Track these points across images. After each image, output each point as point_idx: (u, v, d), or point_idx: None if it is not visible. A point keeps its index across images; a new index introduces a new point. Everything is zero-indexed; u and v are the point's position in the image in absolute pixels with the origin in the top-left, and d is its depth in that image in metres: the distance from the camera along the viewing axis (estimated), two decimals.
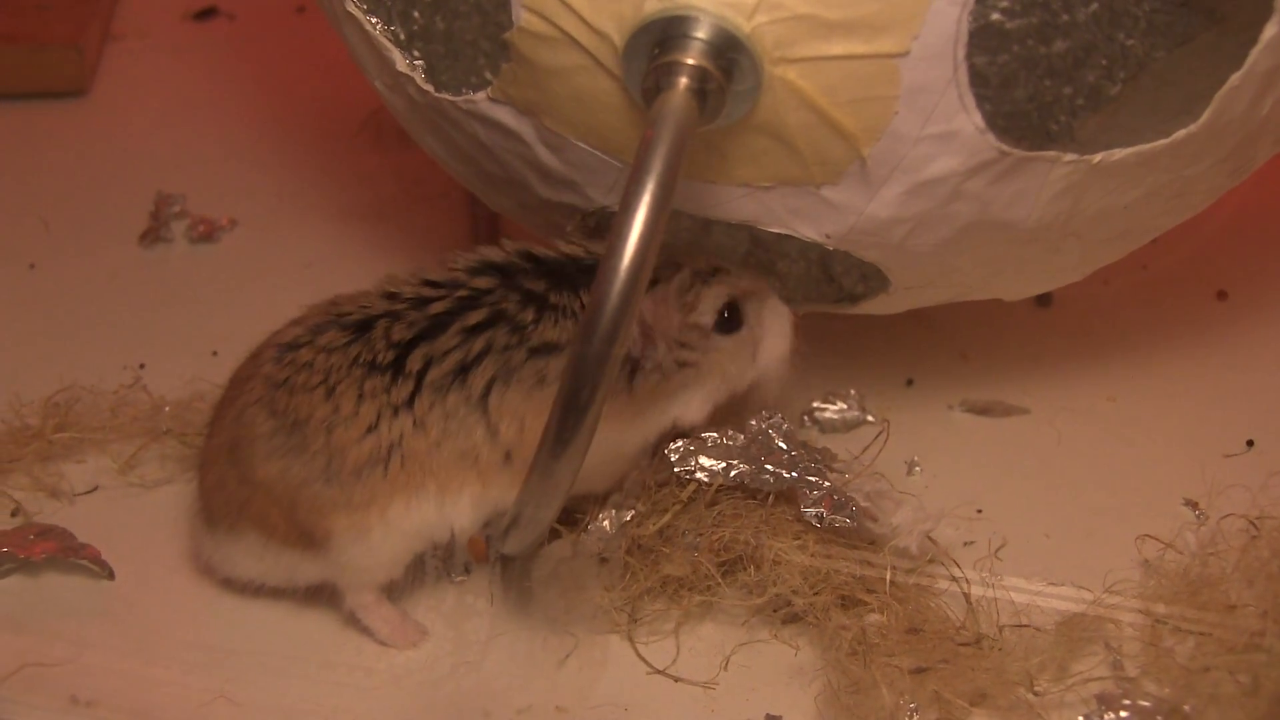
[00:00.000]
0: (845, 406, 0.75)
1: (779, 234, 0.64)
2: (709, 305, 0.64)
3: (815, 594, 0.64)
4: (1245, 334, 0.81)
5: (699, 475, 0.65)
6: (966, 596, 0.64)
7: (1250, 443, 0.74)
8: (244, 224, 0.89)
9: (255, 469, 0.61)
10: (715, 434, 0.65)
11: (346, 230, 0.88)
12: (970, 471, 0.73)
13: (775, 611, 0.65)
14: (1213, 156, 0.64)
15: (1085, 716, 0.59)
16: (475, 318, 0.62)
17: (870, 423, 0.75)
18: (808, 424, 0.75)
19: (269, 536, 0.62)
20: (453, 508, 0.62)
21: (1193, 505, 0.70)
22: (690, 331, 0.63)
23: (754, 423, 0.66)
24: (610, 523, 0.64)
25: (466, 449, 0.61)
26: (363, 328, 0.62)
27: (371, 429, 0.61)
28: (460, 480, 0.62)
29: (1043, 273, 0.69)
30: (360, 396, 0.61)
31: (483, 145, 0.67)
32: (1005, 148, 0.60)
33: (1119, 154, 0.62)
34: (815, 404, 0.75)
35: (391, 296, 0.63)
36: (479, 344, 0.61)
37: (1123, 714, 0.59)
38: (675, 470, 0.65)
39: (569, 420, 0.55)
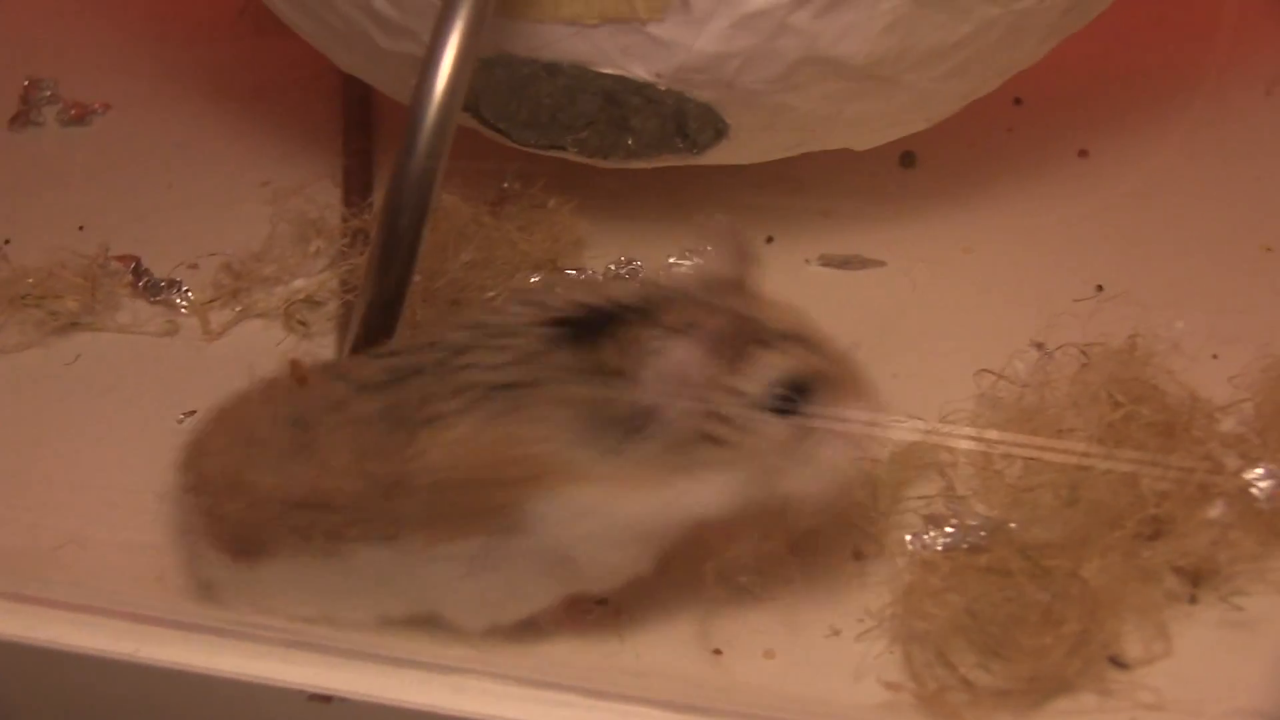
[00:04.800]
0: (702, 261, 0.76)
1: (622, 79, 0.65)
2: (764, 372, 0.54)
3: None
4: (1102, 189, 0.82)
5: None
6: None
7: (1100, 287, 0.75)
8: (118, 108, 0.90)
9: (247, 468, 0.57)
10: (573, 270, 0.67)
11: (220, 112, 0.89)
12: (823, 321, 0.73)
13: None
14: None
15: (914, 535, 0.60)
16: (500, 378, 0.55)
17: None
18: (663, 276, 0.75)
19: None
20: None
21: (1038, 346, 0.71)
22: (730, 398, 0.54)
23: (611, 266, 0.67)
24: None
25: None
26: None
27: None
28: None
29: (884, 116, 0.70)
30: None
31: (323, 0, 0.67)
32: None
33: None
34: (672, 259, 0.76)
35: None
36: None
37: (948, 530, 0.60)
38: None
39: (392, 237, 0.55)
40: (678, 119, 0.67)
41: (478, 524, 0.55)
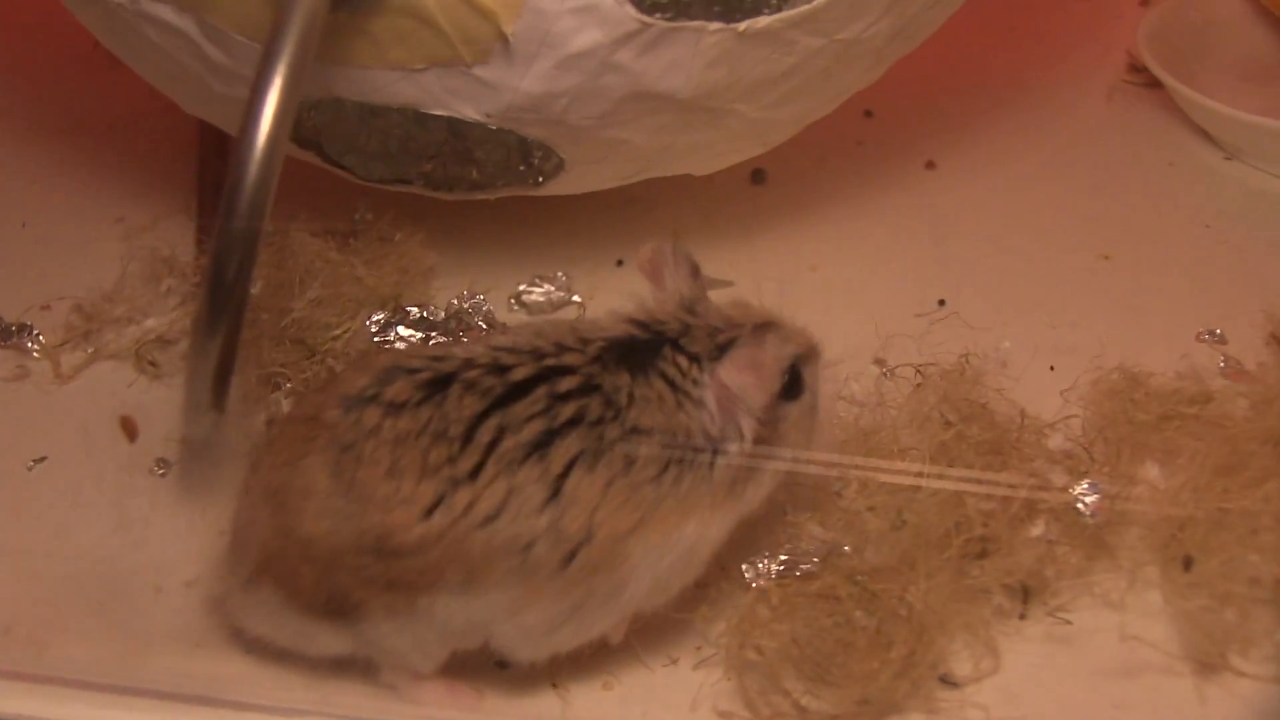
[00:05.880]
0: (552, 288, 0.77)
1: (463, 120, 0.66)
2: (779, 365, 0.57)
3: None
4: (948, 201, 0.84)
5: (398, 344, 0.66)
6: None
7: (942, 301, 0.76)
8: None
9: (302, 524, 0.55)
10: (415, 307, 0.67)
11: (74, 148, 0.89)
12: None
13: None
14: (865, 20, 0.66)
15: (749, 561, 0.61)
16: (566, 385, 0.55)
17: (576, 303, 0.77)
18: (515, 306, 0.76)
19: (292, 596, 0.56)
20: (481, 608, 0.55)
21: (879, 363, 0.72)
22: (771, 400, 0.57)
23: (454, 300, 0.68)
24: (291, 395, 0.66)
25: (518, 536, 0.54)
26: (434, 387, 0.55)
27: (428, 513, 0.54)
28: (499, 574, 0.55)
29: (719, 144, 0.71)
30: (423, 473, 0.54)
31: (158, 47, 0.68)
32: (645, 19, 0.62)
33: (764, 21, 0.64)
34: (521, 286, 0.77)
35: (468, 363, 0.56)
36: (568, 411, 0.55)
37: (782, 557, 0.61)
38: (375, 340, 0.66)
39: (217, 297, 0.56)
40: (519, 152, 0.68)
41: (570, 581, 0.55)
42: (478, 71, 0.63)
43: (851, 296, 0.77)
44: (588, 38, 0.62)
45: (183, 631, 0.61)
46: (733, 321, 0.57)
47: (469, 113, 0.65)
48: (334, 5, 0.58)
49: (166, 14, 0.65)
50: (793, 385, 0.57)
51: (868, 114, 0.90)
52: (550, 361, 0.56)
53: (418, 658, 0.57)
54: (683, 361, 0.56)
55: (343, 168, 0.71)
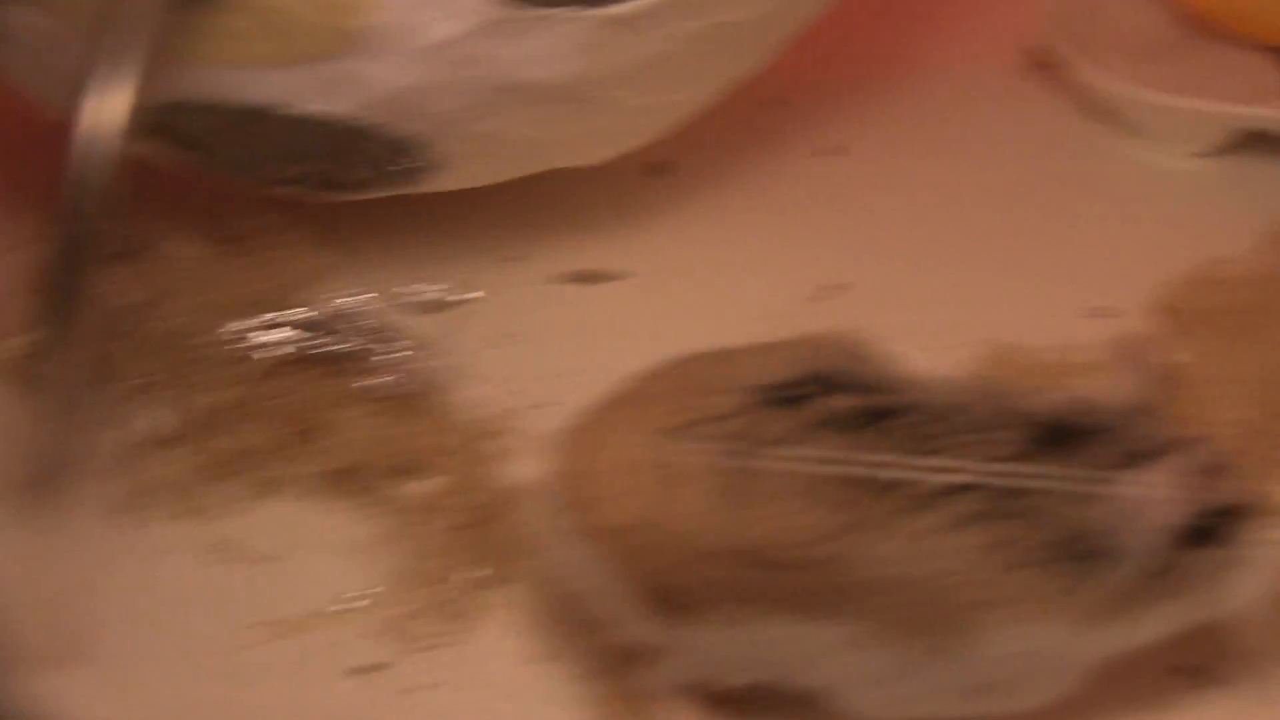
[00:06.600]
0: (444, 286, 0.76)
1: (333, 118, 0.65)
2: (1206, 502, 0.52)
3: (377, 462, 0.64)
4: (854, 186, 0.83)
5: (265, 344, 0.66)
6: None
7: (841, 286, 0.75)
8: None
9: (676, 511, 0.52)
10: (299, 309, 0.67)
11: None
12: (562, 339, 0.74)
13: (342, 481, 0.65)
14: (743, 1, 0.65)
15: None
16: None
17: (467, 300, 0.75)
18: (403, 304, 0.75)
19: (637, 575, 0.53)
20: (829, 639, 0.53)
21: None
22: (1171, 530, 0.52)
23: (338, 301, 0.67)
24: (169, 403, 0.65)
25: (892, 577, 0.52)
26: (870, 415, 0.53)
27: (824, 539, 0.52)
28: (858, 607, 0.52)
29: (604, 133, 0.70)
30: (836, 505, 0.51)
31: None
32: (507, 8, 0.61)
33: (632, 4, 0.62)
34: (413, 285, 0.75)
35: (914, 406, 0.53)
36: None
37: None
38: (254, 344, 0.65)
39: (56, 301, 0.55)
40: (395, 149, 0.67)
41: (915, 631, 0.52)
42: (339, 66, 0.62)
43: (749, 283, 0.76)
44: (448, 28, 0.61)
45: None
46: (1172, 435, 0.53)
47: (336, 109, 0.64)
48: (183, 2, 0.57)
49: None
50: (1208, 531, 0.52)
51: (775, 101, 0.88)
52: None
53: (724, 671, 0.54)
54: (1114, 455, 0.52)
55: (222, 171, 0.70)
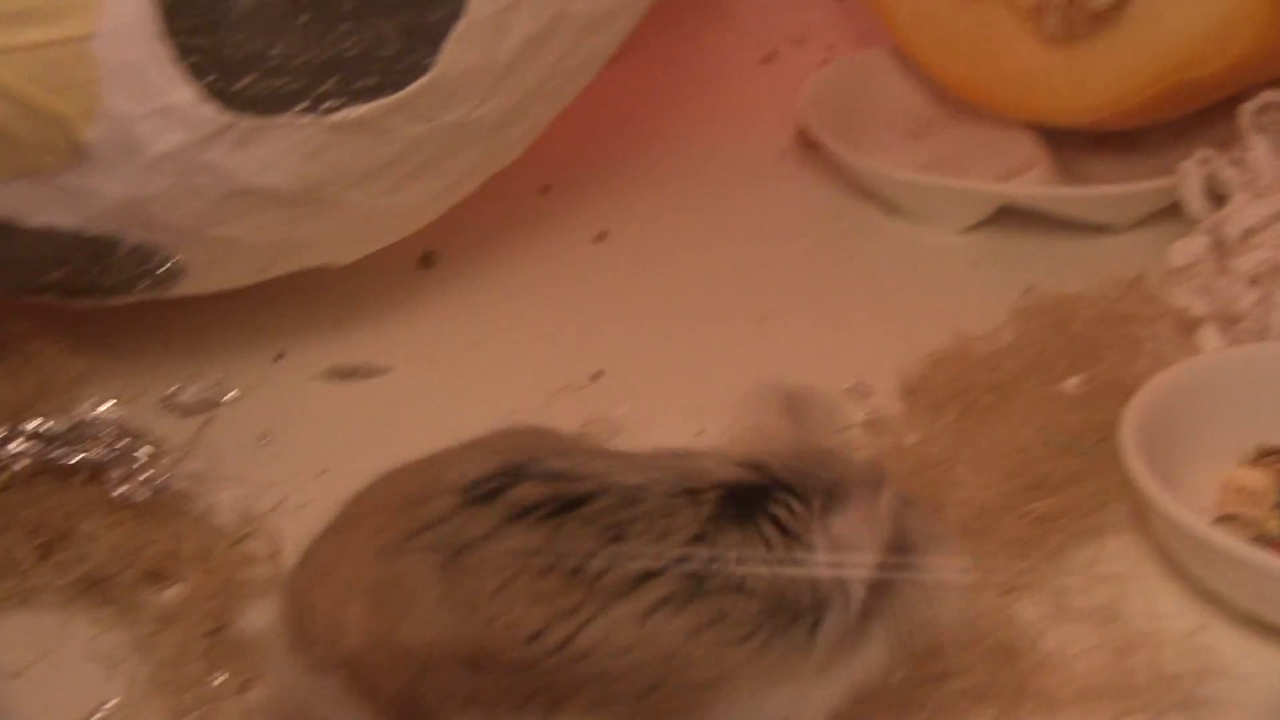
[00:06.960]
0: (207, 386, 0.76)
1: (65, 229, 0.65)
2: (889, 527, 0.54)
3: (124, 570, 0.64)
4: (617, 271, 0.84)
5: (17, 463, 0.65)
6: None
7: (598, 374, 0.76)
8: None
9: (402, 631, 0.52)
10: (38, 420, 0.66)
11: None
12: (322, 436, 0.74)
13: (88, 591, 0.65)
14: (468, 103, 0.66)
15: None
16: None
17: (229, 401, 0.76)
18: (165, 408, 0.75)
19: (368, 696, 0.52)
20: None
21: None
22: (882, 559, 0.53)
23: (84, 408, 0.67)
24: None
25: (606, 672, 0.52)
26: (561, 505, 0.52)
27: (531, 639, 0.51)
28: (581, 705, 0.52)
29: (346, 233, 0.71)
30: (534, 600, 0.51)
31: None
32: (230, 117, 0.61)
33: (355, 111, 0.64)
34: (175, 387, 0.76)
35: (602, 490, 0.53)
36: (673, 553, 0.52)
37: None
38: None
39: None
40: (135, 257, 0.67)
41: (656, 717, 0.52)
42: (65, 179, 0.62)
43: (509, 373, 0.77)
44: (173, 139, 0.62)
45: None
46: (844, 472, 0.54)
47: (64, 221, 0.64)
48: None
49: None
50: (899, 565, 0.54)
51: (544, 189, 0.90)
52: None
53: None
54: (798, 507, 0.53)
55: None
